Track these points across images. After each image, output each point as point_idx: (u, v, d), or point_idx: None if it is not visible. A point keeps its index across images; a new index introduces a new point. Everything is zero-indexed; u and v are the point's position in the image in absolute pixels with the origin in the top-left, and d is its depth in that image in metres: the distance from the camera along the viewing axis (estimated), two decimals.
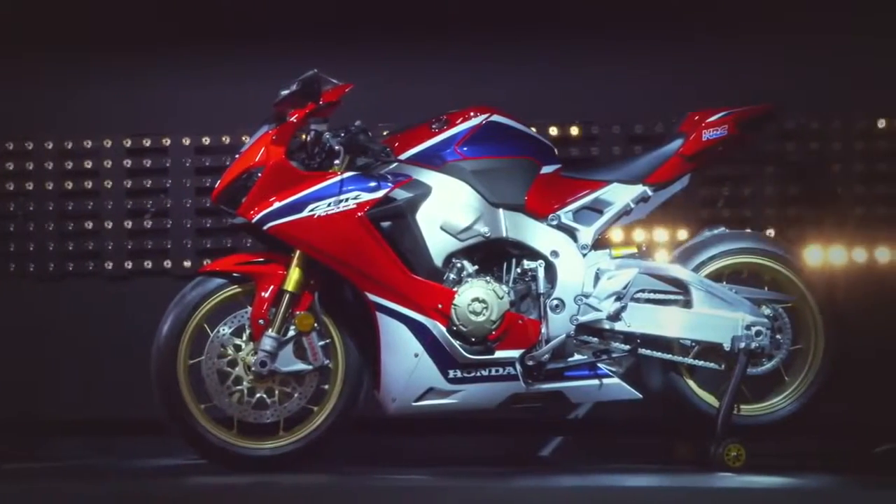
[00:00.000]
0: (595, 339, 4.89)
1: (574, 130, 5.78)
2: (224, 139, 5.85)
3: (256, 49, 5.78)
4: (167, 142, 5.90)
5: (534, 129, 5.21)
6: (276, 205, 4.75)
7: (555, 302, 4.86)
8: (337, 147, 4.79)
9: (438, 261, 4.82)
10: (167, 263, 5.87)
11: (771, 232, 5.58)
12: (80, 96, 5.91)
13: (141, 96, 5.89)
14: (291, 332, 4.77)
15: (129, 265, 5.87)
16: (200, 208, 5.84)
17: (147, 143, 5.90)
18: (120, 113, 5.90)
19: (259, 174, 4.76)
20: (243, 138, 5.00)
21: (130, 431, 5.63)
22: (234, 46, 5.82)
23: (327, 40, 5.69)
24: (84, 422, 5.75)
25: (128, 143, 5.89)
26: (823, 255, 5.55)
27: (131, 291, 5.85)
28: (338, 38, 5.74)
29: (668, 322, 4.89)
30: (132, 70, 5.87)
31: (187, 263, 5.81)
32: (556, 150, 5.06)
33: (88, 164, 5.91)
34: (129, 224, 5.88)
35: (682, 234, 5.53)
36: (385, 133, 5.21)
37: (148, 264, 5.87)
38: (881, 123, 5.72)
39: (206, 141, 5.88)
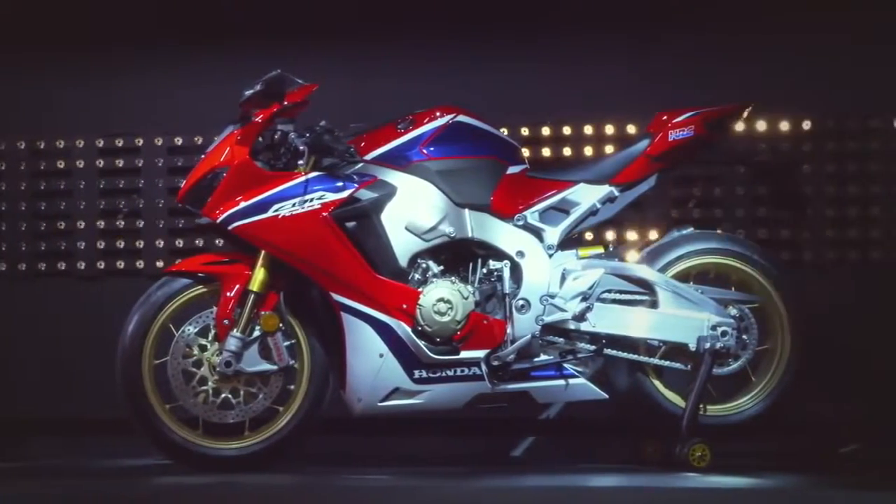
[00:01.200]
0: (561, 340, 4.88)
1: (545, 131, 5.78)
2: (196, 139, 5.85)
3: (228, 49, 5.79)
4: (140, 142, 5.91)
5: (504, 131, 5.21)
6: (241, 205, 4.75)
7: (520, 302, 4.86)
8: (301, 147, 4.78)
9: (403, 261, 4.81)
10: (139, 263, 5.88)
11: (741, 232, 5.58)
12: (53, 96, 5.92)
13: (113, 96, 5.90)
14: (257, 333, 4.77)
15: (101, 265, 5.89)
16: (173, 208, 5.83)
17: (120, 143, 5.91)
18: (92, 113, 5.91)
19: (224, 174, 4.77)
20: (215, 138, 5.00)
21: (101, 431, 5.60)
22: (207, 46, 5.83)
23: (299, 39, 5.71)
24: (55, 421, 5.75)
25: (100, 143, 5.91)
26: (791, 256, 5.54)
27: (104, 291, 5.85)
28: (310, 37, 5.75)
29: (633, 322, 4.88)
30: (105, 70, 5.88)
31: (160, 263, 5.80)
32: (522, 151, 5.06)
33: (61, 164, 5.93)
34: (101, 224, 5.90)
35: (652, 234, 5.52)
36: (353, 131, 5.19)
37: (120, 264, 5.89)
38: (851, 124, 5.72)
39: (179, 141, 5.89)
